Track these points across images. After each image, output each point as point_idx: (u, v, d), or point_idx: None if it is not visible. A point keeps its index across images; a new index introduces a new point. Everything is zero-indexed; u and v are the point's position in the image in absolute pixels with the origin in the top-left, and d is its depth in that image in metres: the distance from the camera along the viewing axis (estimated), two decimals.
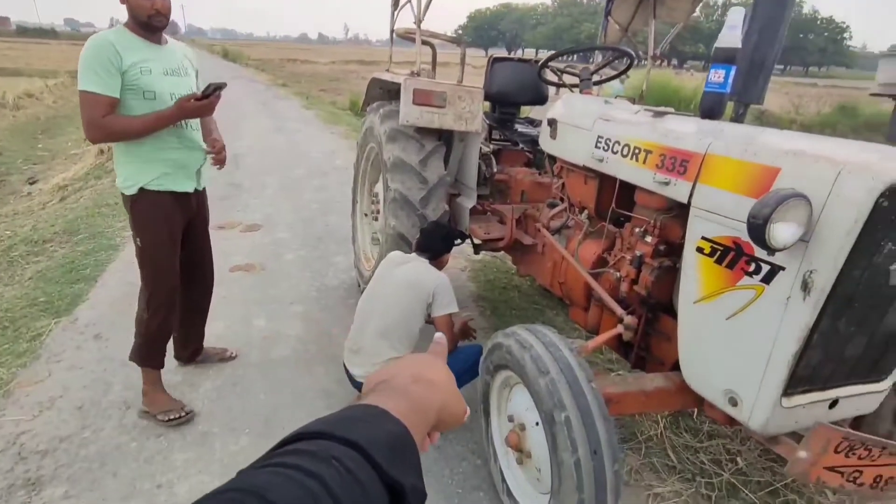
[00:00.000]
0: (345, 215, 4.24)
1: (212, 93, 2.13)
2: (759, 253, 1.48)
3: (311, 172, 7.32)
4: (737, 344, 1.58)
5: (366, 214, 3.88)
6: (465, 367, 2.30)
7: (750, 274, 1.52)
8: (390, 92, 3.43)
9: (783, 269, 1.43)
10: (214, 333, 3.09)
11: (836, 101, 20.96)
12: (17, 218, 5.59)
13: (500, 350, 1.89)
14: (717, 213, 1.62)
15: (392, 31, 3.57)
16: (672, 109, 2.33)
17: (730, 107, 2.18)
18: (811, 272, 1.36)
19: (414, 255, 2.49)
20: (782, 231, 1.32)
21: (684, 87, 15.06)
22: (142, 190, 2.21)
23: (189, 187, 2.36)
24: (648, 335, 2.14)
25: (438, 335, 0.70)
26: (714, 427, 2.57)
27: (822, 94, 25.22)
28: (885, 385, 1.68)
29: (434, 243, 2.46)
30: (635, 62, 2.82)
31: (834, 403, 1.61)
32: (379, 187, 3.41)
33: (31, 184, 7.27)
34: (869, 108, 19.46)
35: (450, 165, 3.23)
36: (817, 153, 1.42)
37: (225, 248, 4.53)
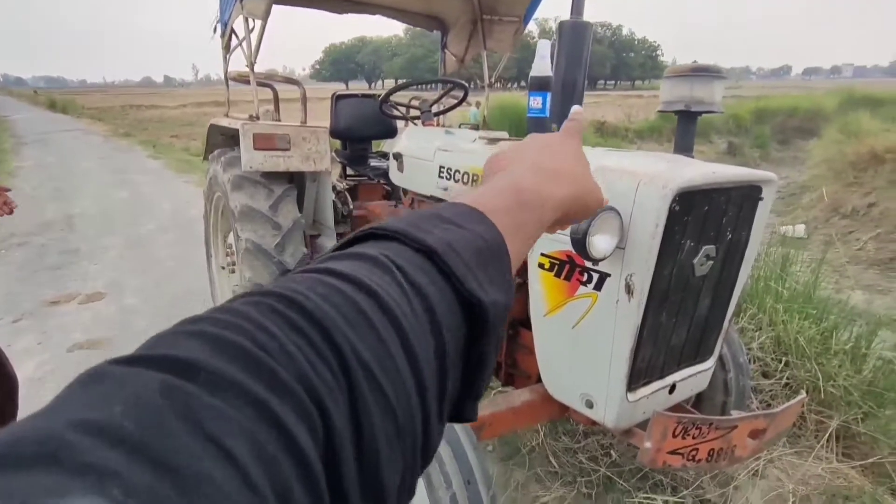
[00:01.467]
0: (203, 270, 3.93)
1: None
2: (588, 263, 1.59)
3: (162, 227, 6.73)
4: (584, 349, 1.69)
5: (223, 267, 3.63)
6: None
7: (584, 283, 1.64)
8: (232, 137, 3.28)
9: (609, 275, 1.56)
10: None
11: (658, 111, 24.01)
12: None
13: None
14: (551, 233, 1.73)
15: (226, 74, 3.42)
16: (506, 135, 2.48)
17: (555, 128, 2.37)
18: (631, 275, 1.50)
19: None
20: (599, 242, 1.44)
21: (519, 103, 16.39)
22: None
23: None
24: (514, 351, 2.21)
25: (576, 108, 0.58)
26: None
27: (647, 103, 28.74)
28: (710, 363, 1.89)
29: None
30: (469, 91, 2.97)
31: (672, 388, 1.77)
32: (232, 238, 3.22)
33: None
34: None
35: (305, 207, 3.14)
36: (620, 168, 1.57)
37: (62, 324, 3.99)
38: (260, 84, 3.03)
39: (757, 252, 1.86)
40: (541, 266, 1.78)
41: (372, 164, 3.55)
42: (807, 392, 2.43)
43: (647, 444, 1.45)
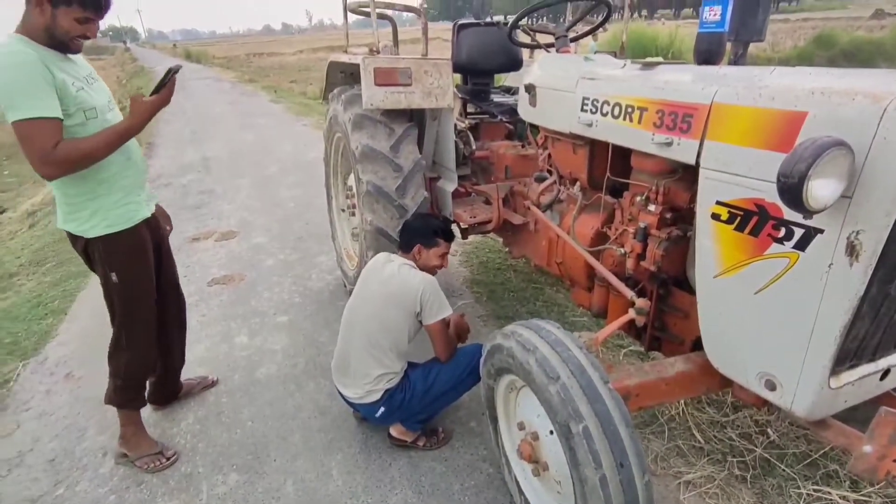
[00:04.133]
0: (324, 211, 3.99)
1: (169, 79, 1.88)
2: (790, 215, 1.26)
3: (284, 169, 7.01)
4: (770, 321, 1.37)
5: (343, 210, 3.63)
6: (465, 371, 2.10)
7: (780, 240, 1.30)
8: (352, 75, 3.15)
9: (821, 232, 1.21)
10: (196, 357, 2.87)
11: (809, 34, 20.65)
12: None
13: (500, 353, 1.68)
14: (733, 174, 1.39)
15: (345, 6, 3.26)
16: (661, 59, 2.08)
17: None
18: (857, 233, 1.15)
19: (397, 256, 2.25)
20: (822, 189, 1.10)
21: (659, 35, 14.71)
22: (109, 230, 1.94)
23: (151, 209, 2.15)
24: (663, 313, 1.93)
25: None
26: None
27: (794, 28, 24.91)
28: None
29: (415, 239, 2.23)
30: (612, 13, 2.56)
31: (885, 374, 1.41)
32: (352, 180, 3.16)
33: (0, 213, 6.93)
34: (845, 36, 19.20)
35: (425, 148, 2.98)
36: (850, 89, 1.18)
37: (201, 260, 4.28)
38: (380, 17, 2.84)
39: None
40: (715, 217, 1.46)
41: (495, 99, 3.28)
42: None
43: (867, 449, 1.15)
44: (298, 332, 3.17)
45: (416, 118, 2.90)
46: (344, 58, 2.99)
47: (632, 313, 1.70)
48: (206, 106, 13.75)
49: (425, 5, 2.75)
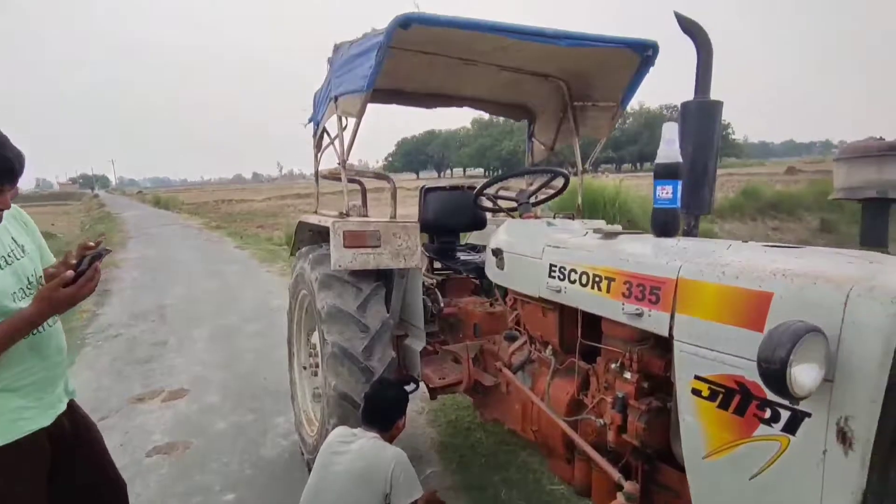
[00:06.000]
0: (284, 366, 3.79)
1: (88, 266, 1.50)
2: (773, 395, 1.22)
3: (245, 318, 6.81)
4: None
5: (304, 368, 3.46)
6: None
7: (767, 422, 1.25)
8: (320, 233, 3.21)
9: (809, 415, 1.17)
10: None
11: (736, 187, 23.03)
12: None
13: None
14: (709, 348, 1.38)
15: (317, 172, 3.43)
16: (620, 228, 2.20)
17: None
18: (845, 418, 1.11)
19: (360, 431, 2.09)
20: (805, 375, 1.08)
21: (606, 188, 16.03)
22: None
23: (58, 411, 1.68)
24: (651, 493, 1.79)
25: None
26: None
27: (723, 182, 27.75)
28: None
29: (382, 411, 2.09)
30: (569, 180, 2.76)
31: None
32: (316, 338, 3.05)
33: None
34: (768, 190, 21.46)
35: (392, 305, 2.95)
36: (811, 272, 1.23)
37: (144, 424, 3.91)
38: (351, 180, 2.97)
39: None
40: (696, 392, 1.42)
41: (462, 257, 3.36)
42: None
43: None
44: None
45: (383, 276, 2.91)
46: (314, 219, 3.06)
47: (621, 499, 1.56)
48: (169, 251, 13.73)
49: (395, 163, 2.90)
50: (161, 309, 7.46)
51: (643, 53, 2.75)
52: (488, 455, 3.30)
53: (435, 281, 3.14)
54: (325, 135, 3.33)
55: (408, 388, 2.59)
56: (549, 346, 2.16)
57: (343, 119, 2.88)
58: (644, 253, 1.68)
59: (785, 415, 1.22)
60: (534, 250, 2.12)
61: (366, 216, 3.18)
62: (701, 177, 1.98)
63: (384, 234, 2.68)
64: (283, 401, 4.01)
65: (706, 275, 1.42)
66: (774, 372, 1.07)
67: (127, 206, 40.80)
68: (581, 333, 1.94)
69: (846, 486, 1.12)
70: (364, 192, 3.45)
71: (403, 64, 2.95)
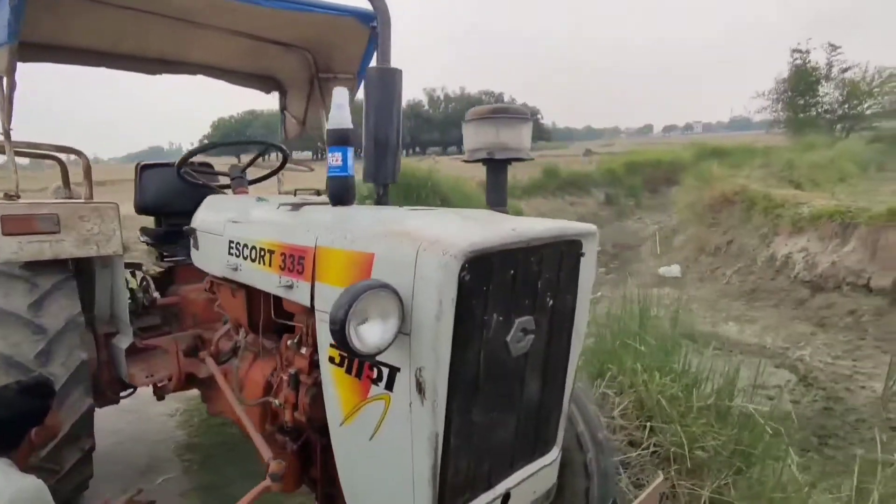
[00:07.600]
0: None
1: None
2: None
3: None
4: (384, 467, 1.30)
5: None
6: None
7: (375, 381, 1.27)
8: None
9: (399, 370, 1.20)
10: None
11: (542, 168, 25.55)
12: None
13: None
14: None
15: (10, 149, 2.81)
16: (317, 198, 2.14)
17: None
18: (420, 370, 1.15)
19: None
20: (369, 332, 1.09)
21: (418, 169, 16.47)
22: None
23: None
24: (329, 464, 1.76)
25: None
26: None
27: (532, 163, 30.53)
28: (554, 454, 1.57)
29: (28, 425, 1.74)
30: (290, 156, 2.64)
31: (506, 498, 1.42)
32: None
33: None
34: (565, 170, 24.12)
35: (97, 300, 2.56)
36: (404, 230, 1.26)
37: None
38: (24, 154, 2.48)
39: (588, 313, 1.60)
40: (331, 360, 1.40)
41: None
42: (675, 461, 2.20)
43: None
44: None
45: (82, 267, 2.50)
46: None
47: (267, 480, 1.50)
48: None
49: (83, 153, 2.47)
50: None
51: (369, 24, 2.71)
52: (236, 449, 3.09)
53: (158, 269, 2.80)
54: None
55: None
56: (242, 329, 2.03)
57: None
58: (297, 223, 1.63)
59: (385, 371, 1.23)
60: (217, 227, 1.95)
61: (70, 198, 2.71)
62: (384, 146, 1.98)
63: (66, 217, 2.28)
64: None
65: (336, 241, 1.40)
66: (336, 332, 1.06)
67: None
68: (274, 312, 1.84)
69: (424, 433, 1.16)
70: (65, 170, 2.93)
71: (88, 16, 2.52)
